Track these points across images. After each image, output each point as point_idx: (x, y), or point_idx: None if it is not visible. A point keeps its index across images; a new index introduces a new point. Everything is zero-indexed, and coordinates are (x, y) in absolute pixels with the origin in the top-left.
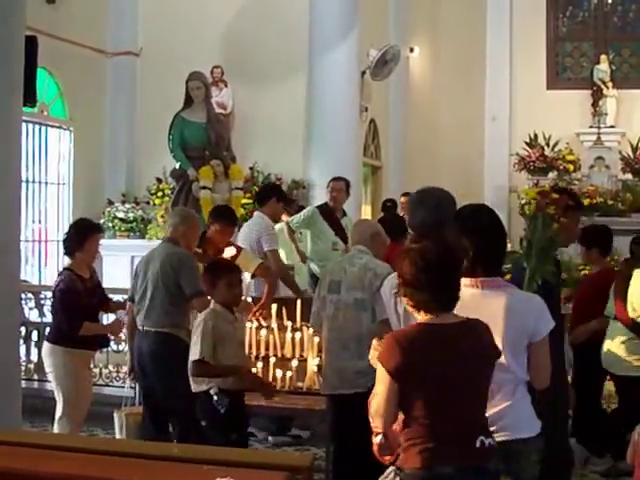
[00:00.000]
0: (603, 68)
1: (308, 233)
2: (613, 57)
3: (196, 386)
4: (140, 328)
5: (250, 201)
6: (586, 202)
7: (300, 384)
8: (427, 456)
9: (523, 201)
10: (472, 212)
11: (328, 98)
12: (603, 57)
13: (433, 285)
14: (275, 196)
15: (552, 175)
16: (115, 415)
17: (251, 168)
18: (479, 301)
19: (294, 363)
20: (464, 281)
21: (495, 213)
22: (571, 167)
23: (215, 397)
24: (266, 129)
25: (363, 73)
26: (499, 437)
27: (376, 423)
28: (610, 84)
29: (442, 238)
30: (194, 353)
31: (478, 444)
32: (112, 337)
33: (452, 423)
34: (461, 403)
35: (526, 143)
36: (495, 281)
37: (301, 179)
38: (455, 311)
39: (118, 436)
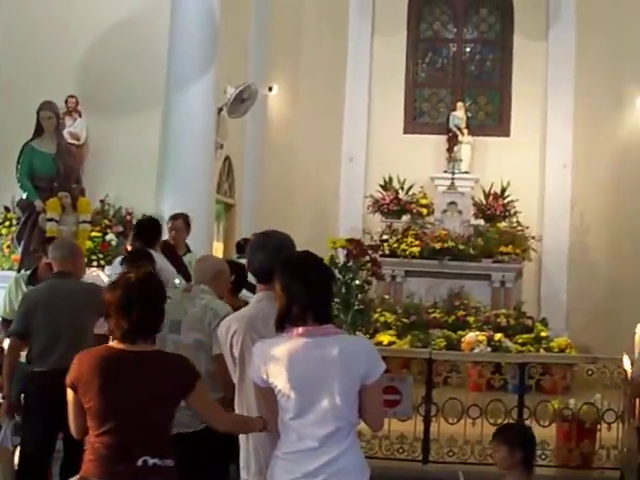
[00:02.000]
0: (459, 115)
1: None
2: (469, 104)
3: None
4: (45, 369)
5: (99, 234)
6: (438, 246)
7: None
8: (87, 467)
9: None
10: (303, 260)
11: (183, 133)
12: (460, 104)
13: (115, 315)
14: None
15: (405, 218)
16: None
17: (102, 201)
18: (311, 349)
19: None
20: (296, 330)
21: (323, 261)
22: (424, 211)
23: None
24: (120, 162)
25: (220, 110)
26: None
27: None
28: (465, 131)
29: (150, 272)
30: None
31: (140, 463)
32: None
33: (113, 441)
34: (125, 423)
35: (381, 186)
36: (326, 328)
37: (153, 214)
38: (288, 361)
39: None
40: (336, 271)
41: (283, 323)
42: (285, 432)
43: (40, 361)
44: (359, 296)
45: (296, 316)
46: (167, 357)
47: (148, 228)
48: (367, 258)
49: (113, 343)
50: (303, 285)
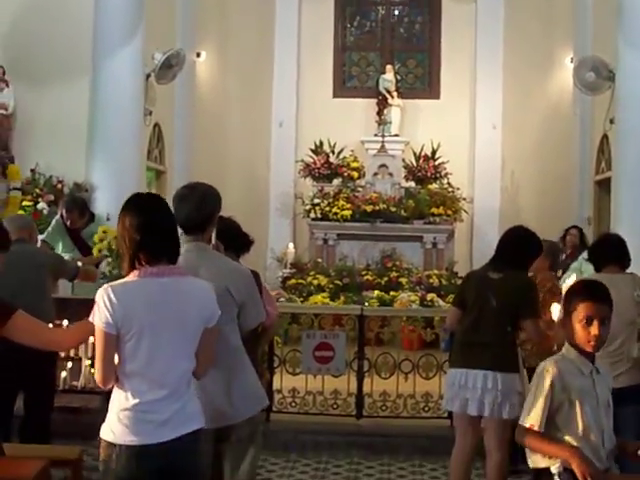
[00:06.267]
0: (388, 78)
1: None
2: (399, 67)
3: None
4: None
5: (31, 203)
6: (369, 209)
7: (75, 383)
8: None
9: (307, 207)
10: (157, 201)
11: (111, 100)
12: (389, 67)
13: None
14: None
15: (337, 182)
16: None
17: (32, 170)
18: (169, 288)
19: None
20: (150, 269)
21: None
22: (355, 174)
23: (557, 478)
24: (49, 131)
25: (148, 76)
26: (187, 428)
27: None
28: (395, 94)
29: None
30: (524, 416)
31: None
32: None
33: None
34: None
35: (311, 150)
36: (179, 268)
37: (83, 182)
38: (145, 302)
39: None
40: None
41: (134, 263)
42: (131, 383)
43: None
44: None
45: (150, 256)
46: None
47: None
48: None
49: None
50: (159, 224)
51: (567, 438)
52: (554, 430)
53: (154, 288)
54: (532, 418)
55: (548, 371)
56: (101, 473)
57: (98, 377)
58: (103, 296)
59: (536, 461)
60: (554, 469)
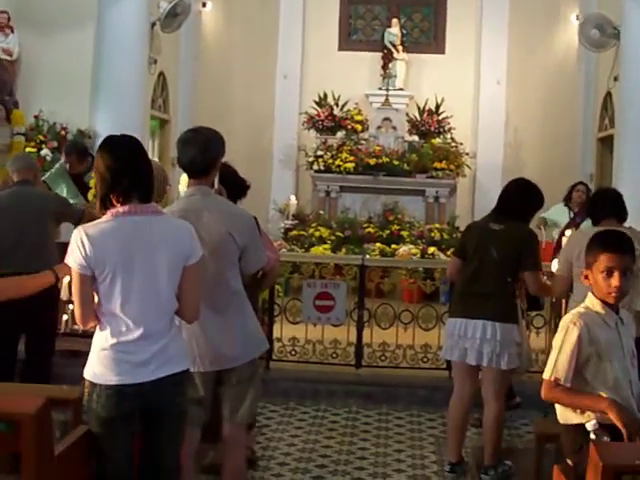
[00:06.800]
0: (394, 31)
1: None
2: (404, 21)
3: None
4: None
5: (34, 150)
6: (372, 162)
7: (76, 326)
8: None
9: (310, 159)
10: (129, 141)
11: (116, 48)
12: (394, 21)
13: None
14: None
15: (340, 134)
16: None
17: (36, 116)
18: (140, 227)
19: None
20: (122, 208)
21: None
22: (359, 127)
23: (593, 435)
24: (53, 78)
25: (153, 25)
26: (168, 370)
27: None
28: (400, 47)
29: None
30: (548, 370)
31: None
32: None
33: None
34: None
35: (316, 102)
36: (152, 206)
37: (87, 129)
38: (117, 241)
39: None
40: None
41: (106, 203)
42: (110, 323)
43: (3, 264)
44: None
45: (121, 195)
46: None
47: None
48: None
49: None
50: (130, 164)
51: (598, 392)
52: (583, 384)
53: (127, 227)
54: (558, 371)
55: (575, 324)
56: (85, 412)
57: (77, 317)
58: (76, 238)
59: (567, 417)
60: (589, 426)
